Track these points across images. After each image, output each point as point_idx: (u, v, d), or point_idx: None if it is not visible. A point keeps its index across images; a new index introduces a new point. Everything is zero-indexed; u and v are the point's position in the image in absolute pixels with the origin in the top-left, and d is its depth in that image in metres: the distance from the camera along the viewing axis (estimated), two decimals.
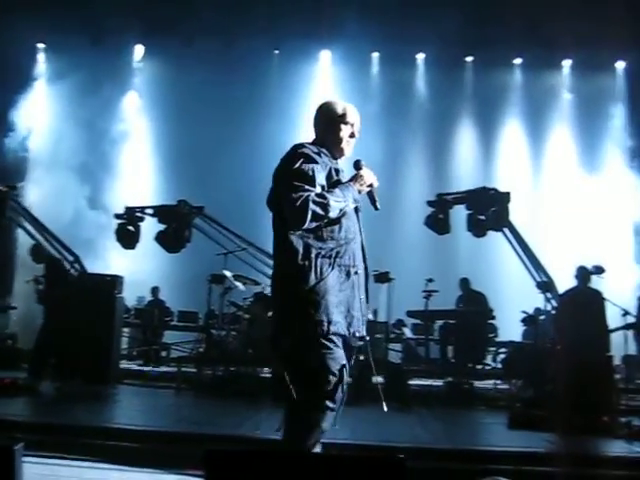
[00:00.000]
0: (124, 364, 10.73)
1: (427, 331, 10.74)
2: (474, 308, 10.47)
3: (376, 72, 15.46)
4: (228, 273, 8.91)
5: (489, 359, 10.91)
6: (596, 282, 8.30)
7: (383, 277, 9.24)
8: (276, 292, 3.55)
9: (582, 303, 7.79)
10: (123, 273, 9.53)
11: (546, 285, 8.37)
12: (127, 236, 10.16)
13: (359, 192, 3.50)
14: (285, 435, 3.34)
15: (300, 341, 3.35)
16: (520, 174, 14.91)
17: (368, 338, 3.56)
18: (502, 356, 10.57)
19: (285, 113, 13.59)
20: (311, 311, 3.32)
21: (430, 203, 9.56)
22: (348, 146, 3.62)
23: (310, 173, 3.36)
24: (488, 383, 9.88)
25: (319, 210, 3.27)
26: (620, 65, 15.12)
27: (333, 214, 3.33)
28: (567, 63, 15.11)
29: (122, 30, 13.85)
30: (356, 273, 3.47)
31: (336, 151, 3.60)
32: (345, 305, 3.39)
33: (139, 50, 15.42)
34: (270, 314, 6.51)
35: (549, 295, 8.62)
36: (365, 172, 3.55)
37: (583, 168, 14.53)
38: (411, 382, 9.27)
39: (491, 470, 4.15)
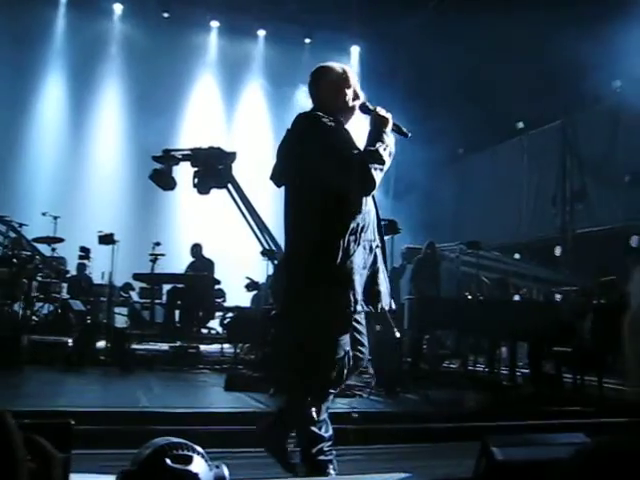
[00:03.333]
0: None
1: (154, 295, 10.58)
2: (202, 273, 10.51)
3: None
4: None
5: (216, 323, 11.08)
6: None
7: (107, 239, 8.90)
8: (296, 268, 3.26)
9: None
10: None
11: (270, 252, 8.63)
12: None
13: (387, 126, 3.30)
14: (285, 408, 3.38)
15: (320, 318, 3.14)
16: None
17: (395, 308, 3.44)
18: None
19: None
20: (339, 289, 3.12)
21: (156, 158, 9.41)
22: (354, 109, 3.41)
23: (347, 135, 3.25)
24: (216, 347, 10.08)
25: (377, 166, 3.14)
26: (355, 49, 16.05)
27: (388, 163, 3.20)
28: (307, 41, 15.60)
29: None
30: (378, 247, 3.30)
31: (343, 115, 3.38)
32: (371, 281, 3.23)
33: None
34: None
35: (275, 262, 8.93)
36: (380, 110, 3.34)
37: None
38: (136, 346, 9.14)
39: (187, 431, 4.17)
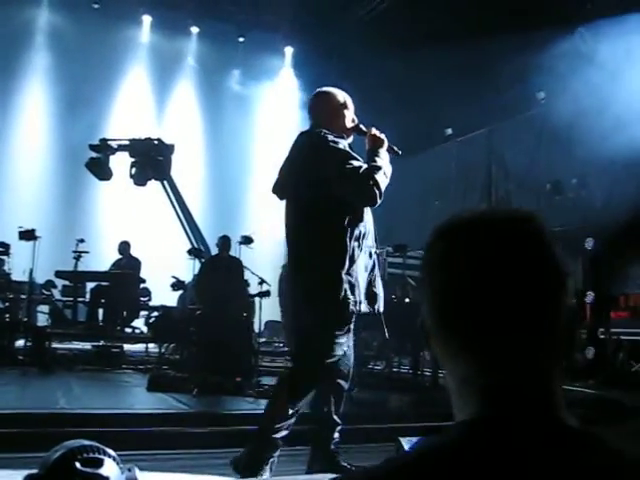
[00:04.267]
0: None
1: (77, 293, 10.32)
2: (126, 271, 10.33)
3: None
4: None
5: (141, 323, 10.89)
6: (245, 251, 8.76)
7: (28, 234, 8.65)
8: (301, 274, 3.51)
9: (221, 270, 8.13)
10: None
11: (197, 251, 8.58)
12: None
13: (383, 145, 3.63)
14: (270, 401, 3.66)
15: (326, 318, 3.41)
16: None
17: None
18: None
19: None
20: (346, 291, 3.37)
21: (93, 147, 9.22)
22: (351, 131, 3.75)
23: (352, 153, 3.53)
24: (140, 347, 9.91)
25: (382, 179, 3.44)
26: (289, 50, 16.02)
27: (388, 180, 3.51)
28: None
29: None
30: (376, 252, 3.61)
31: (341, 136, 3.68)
32: (369, 284, 3.49)
33: None
34: None
35: (202, 260, 8.88)
36: (374, 131, 3.68)
37: None
38: (57, 345, 8.93)
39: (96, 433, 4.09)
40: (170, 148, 9.43)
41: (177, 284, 8.75)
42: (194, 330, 7.80)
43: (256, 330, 8.25)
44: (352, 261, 3.41)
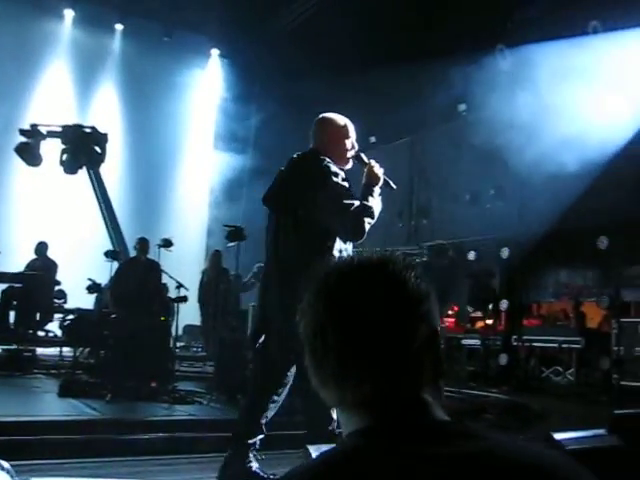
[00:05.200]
0: None
1: None
2: (40, 273, 10.01)
3: None
4: None
5: (56, 326, 10.56)
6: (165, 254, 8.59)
7: None
8: (288, 283, 3.58)
9: (138, 273, 7.99)
10: None
11: (114, 254, 8.40)
12: None
13: (379, 182, 3.77)
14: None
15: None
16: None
17: None
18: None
19: None
20: None
21: (23, 132, 8.92)
22: (350, 158, 3.88)
23: (347, 187, 3.71)
24: (54, 351, 9.60)
25: (369, 219, 3.64)
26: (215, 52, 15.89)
27: (376, 217, 3.69)
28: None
29: None
30: None
31: (341, 162, 3.84)
32: None
33: None
34: None
35: (119, 262, 8.68)
36: (374, 163, 3.81)
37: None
38: None
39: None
40: (104, 137, 9.21)
41: (93, 287, 8.53)
42: (109, 334, 7.62)
43: (174, 334, 8.12)
44: None
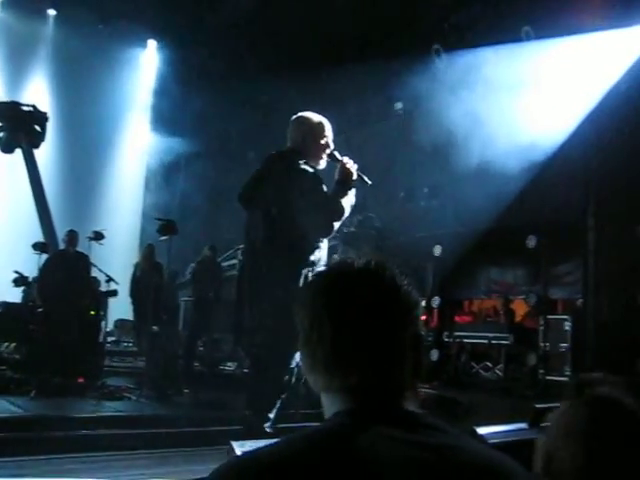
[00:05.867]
0: None
1: None
2: None
3: None
4: None
5: None
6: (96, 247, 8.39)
7: None
8: (260, 279, 3.71)
9: (67, 266, 7.78)
10: None
11: (42, 246, 8.17)
12: None
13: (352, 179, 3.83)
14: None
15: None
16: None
17: None
18: None
19: None
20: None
21: None
22: (324, 157, 3.93)
23: (324, 188, 3.77)
24: None
25: (340, 215, 3.75)
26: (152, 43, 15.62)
27: (347, 213, 3.80)
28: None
29: None
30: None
31: (315, 161, 3.91)
32: None
33: None
34: None
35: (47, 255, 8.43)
36: (347, 160, 3.87)
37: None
38: None
39: None
40: (45, 116, 8.90)
41: (20, 280, 8.27)
42: (35, 328, 7.41)
43: (104, 329, 7.95)
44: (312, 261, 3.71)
